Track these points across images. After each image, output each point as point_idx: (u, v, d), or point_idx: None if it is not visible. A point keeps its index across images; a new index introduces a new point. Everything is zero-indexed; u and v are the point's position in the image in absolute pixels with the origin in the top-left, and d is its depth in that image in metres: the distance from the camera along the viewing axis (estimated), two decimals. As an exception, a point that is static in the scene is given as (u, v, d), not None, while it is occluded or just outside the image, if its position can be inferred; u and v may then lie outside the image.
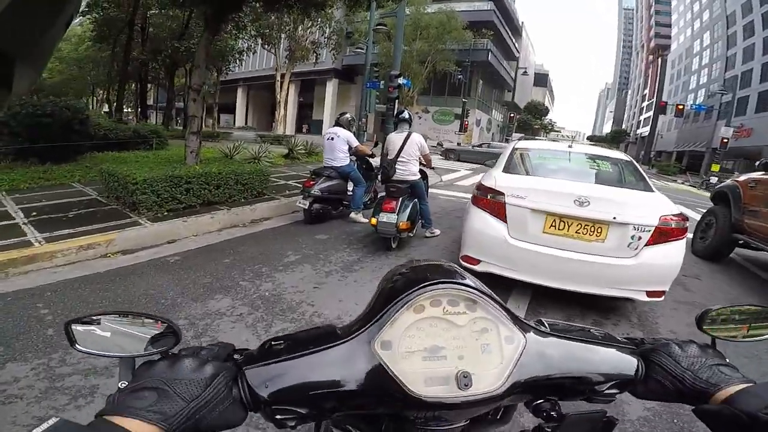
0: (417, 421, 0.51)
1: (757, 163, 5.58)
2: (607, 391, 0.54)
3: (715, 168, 25.70)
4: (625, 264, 2.94)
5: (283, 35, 20.56)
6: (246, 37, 19.32)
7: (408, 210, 4.52)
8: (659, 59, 70.70)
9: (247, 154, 9.74)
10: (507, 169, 3.63)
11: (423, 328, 0.49)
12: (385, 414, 0.53)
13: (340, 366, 0.49)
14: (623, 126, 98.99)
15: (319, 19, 19.56)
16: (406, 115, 4.99)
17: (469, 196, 3.71)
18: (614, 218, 2.91)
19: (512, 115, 39.95)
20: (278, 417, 0.47)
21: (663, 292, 3.06)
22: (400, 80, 11.38)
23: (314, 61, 21.81)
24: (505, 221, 3.18)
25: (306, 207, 5.28)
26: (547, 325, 0.57)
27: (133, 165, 5.59)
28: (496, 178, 3.39)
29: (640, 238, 2.91)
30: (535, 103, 57.69)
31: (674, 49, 63.68)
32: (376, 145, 6.48)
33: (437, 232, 5.36)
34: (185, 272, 3.63)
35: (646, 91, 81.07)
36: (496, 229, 3.20)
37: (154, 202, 4.80)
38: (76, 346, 0.49)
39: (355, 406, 0.50)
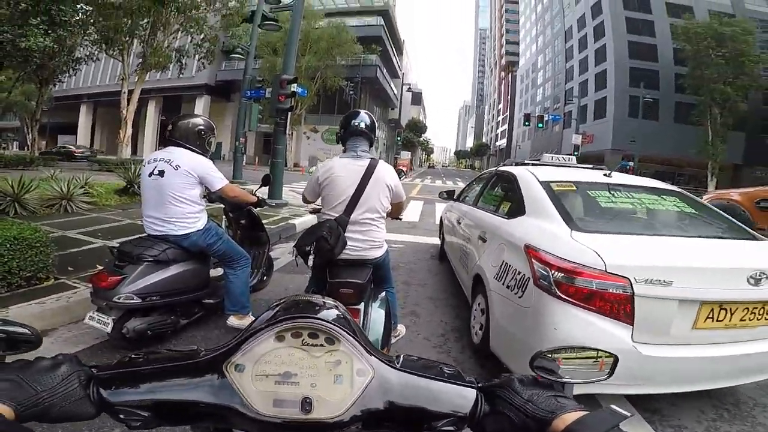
0: None
1: None
2: (443, 427, 0.56)
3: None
4: None
5: (136, 40, 15.64)
6: (87, 42, 14.60)
7: (383, 323, 2.09)
8: (510, 75, 79.15)
9: (51, 192, 5.99)
10: (576, 225, 2.33)
11: (280, 356, 0.55)
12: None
13: (189, 381, 0.54)
14: (484, 140, 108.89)
15: (188, 25, 15.64)
16: (366, 119, 2.29)
17: (416, 239, 3.55)
18: None
19: (400, 131, 40.28)
20: (122, 417, 0.52)
21: None
22: (294, 87, 8.47)
23: (179, 72, 17.40)
24: (631, 322, 1.94)
25: (109, 329, 2.39)
26: (401, 361, 0.60)
27: None
28: (595, 248, 2.04)
29: None
30: (415, 121, 60.20)
31: (522, 65, 70.61)
32: (266, 183, 3.50)
33: (402, 330, 2.97)
34: None
35: (500, 106, 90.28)
36: (613, 337, 1.94)
37: None
38: None
39: (202, 419, 0.55)
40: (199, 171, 2.61)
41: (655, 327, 1.98)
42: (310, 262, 2.13)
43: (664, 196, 2.86)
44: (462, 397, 0.58)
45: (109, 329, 2.39)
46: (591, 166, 3.74)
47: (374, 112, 40.68)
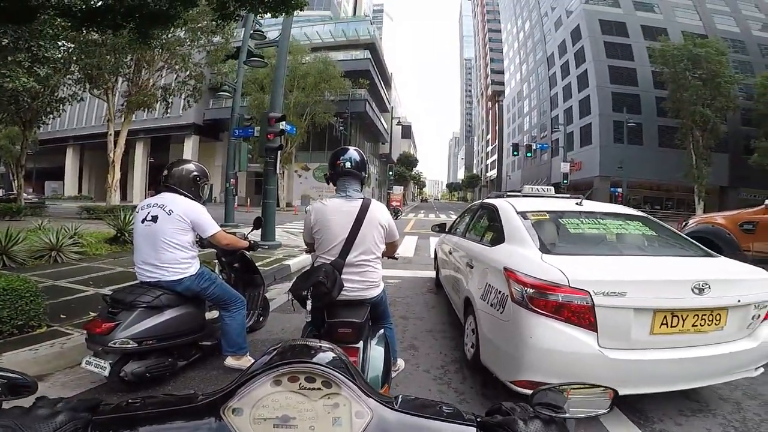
0: None
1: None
2: None
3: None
4: (745, 347, 2.39)
5: (120, 78, 15.70)
6: (71, 81, 14.39)
7: (382, 360, 2.06)
8: (497, 105, 78.81)
9: (40, 243, 5.92)
10: (546, 249, 2.69)
11: (278, 400, 0.56)
12: None
13: (186, 425, 0.54)
14: (474, 171, 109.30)
15: (173, 62, 15.79)
16: (354, 155, 2.26)
17: (412, 274, 4.09)
18: (738, 301, 2.34)
19: (391, 166, 40.66)
20: None
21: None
22: (283, 125, 8.40)
23: (164, 111, 17.41)
24: (595, 329, 2.24)
25: (107, 373, 2.42)
26: (399, 401, 0.62)
27: None
28: (560, 267, 2.36)
29: (759, 316, 2.45)
30: (406, 155, 60.80)
31: (508, 94, 70.80)
32: (258, 226, 3.63)
33: (402, 364, 2.97)
34: None
35: (489, 136, 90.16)
36: (581, 342, 2.24)
37: None
38: None
39: None
40: (192, 217, 2.65)
41: (617, 333, 2.26)
42: (309, 306, 2.07)
43: (628, 221, 3.26)
44: None
45: (106, 373, 2.40)
46: (569, 195, 4.04)
47: (365, 147, 40.94)
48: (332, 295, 2.05)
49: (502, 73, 77.59)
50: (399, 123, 44.99)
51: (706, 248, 3.01)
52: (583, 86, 38.25)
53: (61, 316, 3.51)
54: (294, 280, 2.21)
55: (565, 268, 2.33)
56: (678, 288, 2.30)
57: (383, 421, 0.57)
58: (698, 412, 2.54)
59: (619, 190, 26.15)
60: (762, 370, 2.61)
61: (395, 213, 25.06)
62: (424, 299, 5.40)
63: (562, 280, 2.28)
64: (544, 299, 2.31)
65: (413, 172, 65.62)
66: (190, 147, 33.38)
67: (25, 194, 22.94)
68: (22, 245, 5.63)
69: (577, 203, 3.41)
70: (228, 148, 13.08)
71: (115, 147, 15.59)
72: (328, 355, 0.64)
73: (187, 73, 16.41)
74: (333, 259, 2.14)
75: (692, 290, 2.26)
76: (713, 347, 2.35)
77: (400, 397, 0.64)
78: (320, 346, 0.68)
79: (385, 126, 42.72)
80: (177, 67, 16.13)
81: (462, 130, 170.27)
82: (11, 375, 0.59)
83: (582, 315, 2.24)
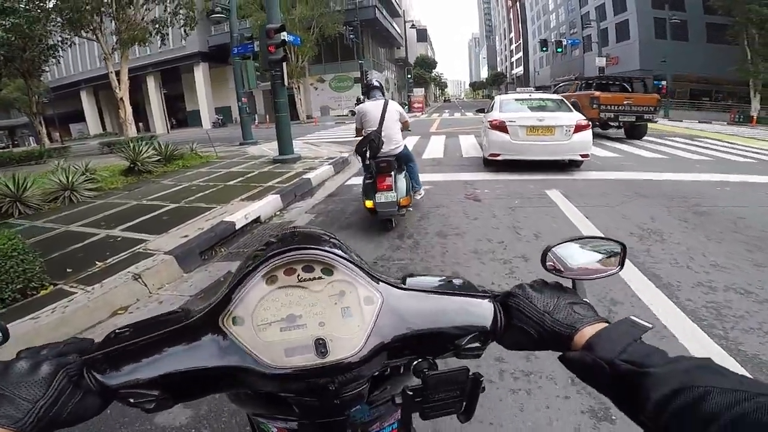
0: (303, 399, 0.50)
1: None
2: (468, 345, 0.51)
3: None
4: (566, 142, 6.49)
5: (106, 18, 14.85)
6: (55, 27, 13.84)
7: (404, 182, 4.08)
8: (518, 3, 75.00)
9: (51, 185, 5.72)
10: (501, 110, 7.18)
11: (278, 299, 0.49)
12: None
13: (188, 346, 0.47)
14: (499, 69, 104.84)
15: None
16: (375, 81, 4.51)
17: (444, 177, 6.60)
18: (556, 123, 6.47)
19: (409, 69, 38.72)
20: (132, 401, 0.45)
21: (588, 155, 6.66)
22: (284, 35, 7.59)
23: (161, 43, 16.41)
24: (508, 133, 6.58)
25: None
26: (406, 281, 0.56)
27: None
28: (499, 116, 6.87)
29: (570, 130, 6.43)
30: (423, 57, 57.41)
31: None
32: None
33: (422, 192, 4.84)
34: None
35: (512, 35, 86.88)
36: (504, 138, 6.60)
37: None
38: None
39: (215, 386, 0.49)
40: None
41: (515, 134, 6.62)
42: (367, 155, 3.89)
43: (548, 101, 7.61)
44: (479, 309, 0.53)
45: None
46: (537, 89, 8.15)
47: (379, 54, 39.50)
48: (380, 147, 3.90)
49: (523, -31, 71.54)
50: (413, 26, 41.88)
51: (574, 110, 7.21)
52: (616, -17, 35.90)
53: (67, 270, 3.19)
54: (356, 145, 4.01)
55: (501, 116, 6.83)
56: (534, 119, 6.58)
57: (395, 304, 0.51)
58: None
59: (663, 83, 24.59)
60: (585, 158, 6.62)
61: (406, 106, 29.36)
62: (463, 208, 4.68)
63: (500, 118, 6.74)
64: (494, 125, 6.71)
65: (433, 74, 62.29)
66: (200, 74, 32.85)
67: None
68: (34, 190, 5.42)
69: (530, 93, 8.26)
70: (234, 69, 12.40)
71: (119, 84, 15.10)
72: (323, 238, 0.55)
73: (176, 3, 15.51)
74: (375, 129, 3.98)
75: (537, 120, 6.55)
76: (553, 142, 6.48)
77: (407, 276, 0.57)
78: (310, 232, 0.59)
79: (399, 31, 40.30)
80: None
81: (481, 30, 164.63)
82: None
83: (503, 128, 6.59)
